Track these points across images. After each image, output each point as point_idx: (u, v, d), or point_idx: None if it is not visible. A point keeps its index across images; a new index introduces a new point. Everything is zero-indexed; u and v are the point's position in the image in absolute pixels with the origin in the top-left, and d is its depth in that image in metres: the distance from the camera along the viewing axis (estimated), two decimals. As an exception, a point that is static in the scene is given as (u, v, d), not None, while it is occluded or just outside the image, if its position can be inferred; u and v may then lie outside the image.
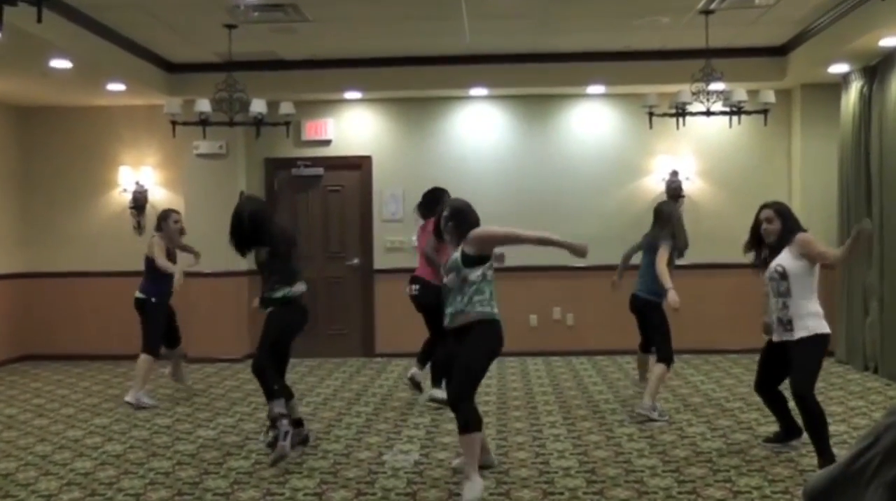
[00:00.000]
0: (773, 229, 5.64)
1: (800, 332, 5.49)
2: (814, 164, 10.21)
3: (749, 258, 6.01)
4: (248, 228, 6.20)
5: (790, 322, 5.52)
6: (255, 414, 7.59)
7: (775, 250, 5.63)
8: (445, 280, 5.40)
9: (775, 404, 6.02)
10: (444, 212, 5.53)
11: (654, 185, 10.60)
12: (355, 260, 10.83)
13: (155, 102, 10.26)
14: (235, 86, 8.42)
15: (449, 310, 5.37)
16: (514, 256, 10.42)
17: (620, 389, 8.43)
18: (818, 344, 5.52)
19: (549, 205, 10.56)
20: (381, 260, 10.83)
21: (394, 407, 7.80)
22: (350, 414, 7.57)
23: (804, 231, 5.65)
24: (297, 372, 9.65)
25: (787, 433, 6.06)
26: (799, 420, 5.79)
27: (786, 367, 5.66)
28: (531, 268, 10.42)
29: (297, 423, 6.38)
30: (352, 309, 10.92)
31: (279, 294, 6.31)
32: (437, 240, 6.30)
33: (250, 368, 6.43)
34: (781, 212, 5.69)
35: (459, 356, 5.29)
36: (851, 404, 7.57)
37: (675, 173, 10.53)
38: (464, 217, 5.44)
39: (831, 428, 6.57)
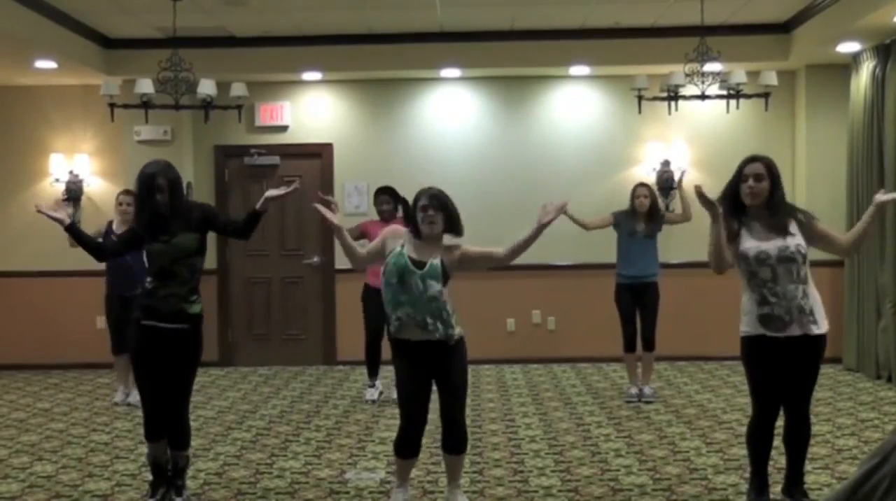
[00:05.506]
0: (762, 189, 4.97)
1: (823, 324, 4.97)
2: (820, 153, 10.26)
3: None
4: (173, 194, 5.20)
5: (812, 312, 4.95)
6: (204, 428, 7.54)
7: (765, 216, 5.00)
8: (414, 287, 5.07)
9: (770, 445, 5.20)
10: (424, 200, 5.15)
11: (643, 176, 10.57)
12: (315, 259, 10.78)
13: (90, 82, 10.15)
14: (181, 65, 8.34)
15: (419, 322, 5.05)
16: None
17: (606, 400, 8.45)
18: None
19: (528, 198, 10.46)
20: (343, 259, 10.73)
21: (357, 421, 7.78)
22: (309, 428, 7.54)
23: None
24: (251, 382, 9.62)
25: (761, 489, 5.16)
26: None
27: (785, 379, 5.03)
28: (507, 267, 10.37)
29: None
30: (311, 312, 10.88)
31: (199, 307, 5.38)
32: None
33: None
34: (772, 169, 5.02)
35: (452, 375, 5.15)
36: (862, 416, 7.63)
37: (666, 163, 10.55)
38: (455, 215, 5.23)
39: (840, 442, 6.65)
